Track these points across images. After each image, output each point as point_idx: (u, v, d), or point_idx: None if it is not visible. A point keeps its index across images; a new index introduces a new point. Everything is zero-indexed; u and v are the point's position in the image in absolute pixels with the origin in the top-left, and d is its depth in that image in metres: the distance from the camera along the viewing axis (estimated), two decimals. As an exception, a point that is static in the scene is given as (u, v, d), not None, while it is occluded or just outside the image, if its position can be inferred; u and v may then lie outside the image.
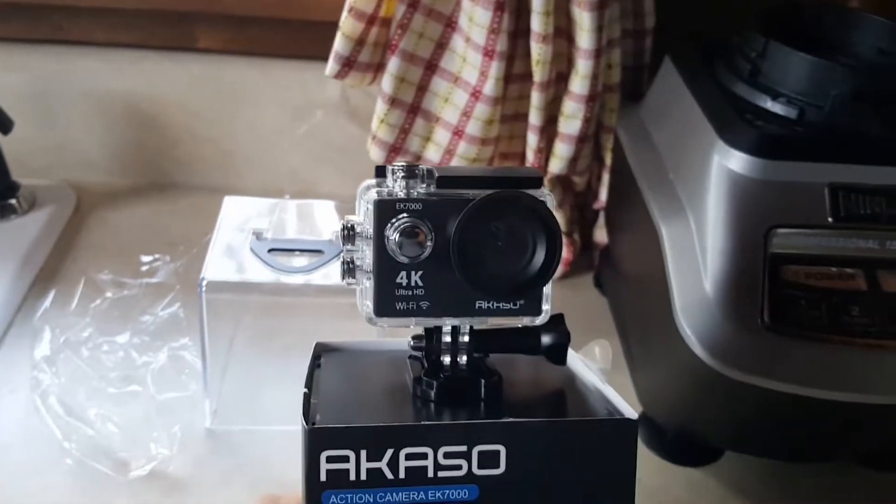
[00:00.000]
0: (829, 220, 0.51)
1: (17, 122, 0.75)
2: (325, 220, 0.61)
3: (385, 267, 0.35)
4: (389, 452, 0.33)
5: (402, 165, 0.35)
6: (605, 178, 0.74)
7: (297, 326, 0.64)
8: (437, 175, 0.35)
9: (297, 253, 0.57)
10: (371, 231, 0.35)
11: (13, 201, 0.76)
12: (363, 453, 0.32)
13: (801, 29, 0.58)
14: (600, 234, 0.77)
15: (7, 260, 0.70)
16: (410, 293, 0.36)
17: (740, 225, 0.51)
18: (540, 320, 0.37)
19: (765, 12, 0.58)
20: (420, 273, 0.35)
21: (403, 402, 0.37)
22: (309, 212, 0.62)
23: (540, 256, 0.35)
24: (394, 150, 0.71)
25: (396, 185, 0.35)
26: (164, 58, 0.79)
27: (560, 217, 0.76)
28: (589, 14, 0.64)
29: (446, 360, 0.37)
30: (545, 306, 0.37)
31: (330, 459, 0.32)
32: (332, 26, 0.67)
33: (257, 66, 0.79)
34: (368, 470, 0.33)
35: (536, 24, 0.64)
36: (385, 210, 0.35)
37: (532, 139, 0.70)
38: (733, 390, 0.49)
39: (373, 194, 0.35)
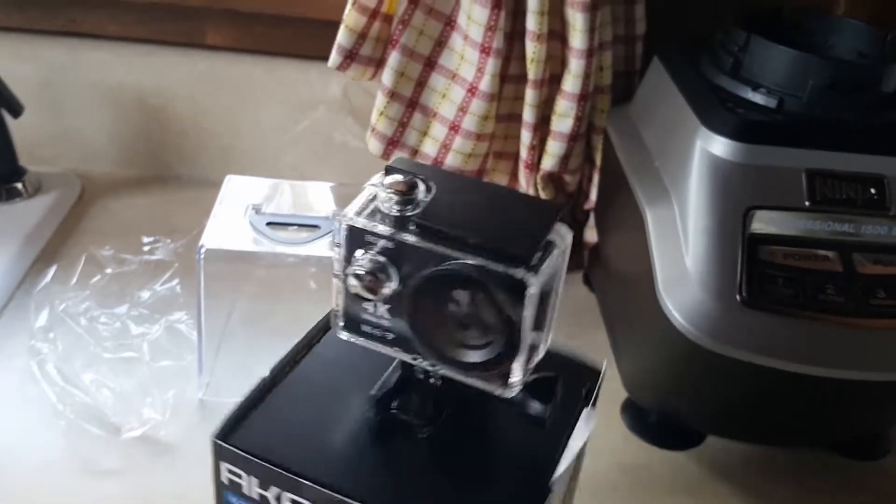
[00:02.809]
0: (806, 203, 0.53)
1: (28, 111, 0.78)
2: (321, 200, 0.63)
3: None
4: (274, 490, 0.33)
5: (401, 185, 0.32)
6: (596, 178, 0.77)
7: (291, 310, 0.65)
8: (418, 222, 0.32)
9: (294, 227, 0.59)
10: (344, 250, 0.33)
11: (19, 185, 0.78)
12: (253, 479, 0.33)
13: (782, 32, 0.61)
14: (590, 235, 0.79)
15: (10, 238, 0.72)
16: (376, 321, 0.34)
17: (720, 205, 0.53)
18: (508, 394, 0.33)
19: (748, 14, 0.61)
20: (388, 307, 0.33)
21: (345, 430, 0.35)
22: (306, 192, 0.64)
23: (499, 342, 0.31)
24: (392, 142, 0.74)
25: (388, 206, 0.32)
26: (172, 53, 0.82)
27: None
28: (582, 15, 0.66)
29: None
30: (513, 379, 0.33)
31: (229, 470, 0.34)
32: (337, 26, 0.70)
33: (262, 63, 0.82)
34: (259, 494, 0.34)
35: (532, 23, 0.67)
36: (355, 238, 0.33)
37: (525, 136, 0.72)
38: (711, 363, 0.51)
39: (351, 215, 0.33)
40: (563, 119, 0.72)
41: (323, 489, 0.33)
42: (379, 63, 0.73)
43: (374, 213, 0.33)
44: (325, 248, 0.58)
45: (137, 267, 0.67)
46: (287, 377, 0.39)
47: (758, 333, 0.50)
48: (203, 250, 0.56)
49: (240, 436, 0.35)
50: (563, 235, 0.32)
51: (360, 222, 0.32)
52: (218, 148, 0.86)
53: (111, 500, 0.53)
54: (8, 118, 0.77)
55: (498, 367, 0.32)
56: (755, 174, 0.53)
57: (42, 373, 0.59)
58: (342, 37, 0.69)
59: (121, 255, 0.68)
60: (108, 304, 0.65)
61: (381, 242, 0.32)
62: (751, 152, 0.53)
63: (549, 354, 0.37)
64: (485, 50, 0.68)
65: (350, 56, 0.70)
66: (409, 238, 0.32)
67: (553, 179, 0.77)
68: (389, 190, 0.32)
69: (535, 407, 0.35)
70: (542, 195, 0.77)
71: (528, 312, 0.30)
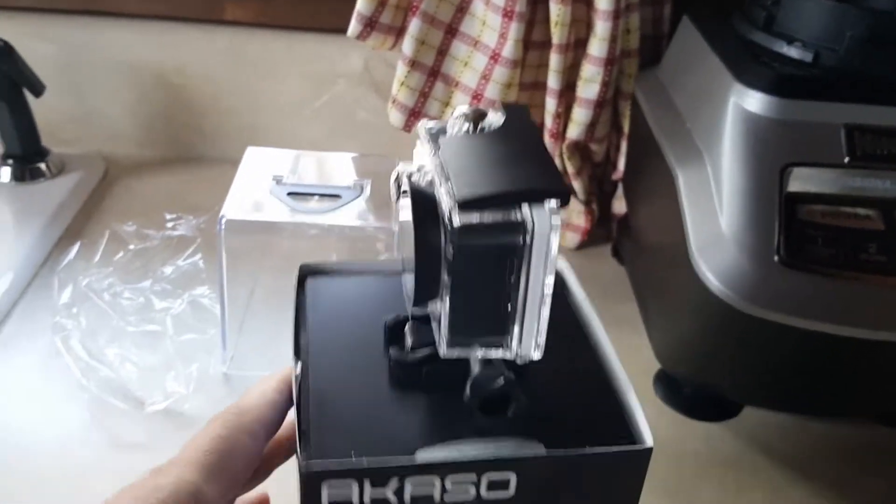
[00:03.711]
0: (846, 159, 0.51)
1: (50, 93, 0.77)
2: (342, 171, 0.62)
3: None
4: (394, 481, 0.31)
5: (470, 114, 0.33)
6: (624, 147, 0.75)
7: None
8: (442, 147, 0.32)
9: (315, 198, 0.58)
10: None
11: (42, 165, 0.78)
12: (367, 482, 0.31)
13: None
14: (618, 206, 0.77)
15: (33, 217, 0.72)
16: None
17: (756, 163, 0.51)
18: (441, 352, 0.32)
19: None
20: None
21: (409, 402, 0.34)
22: (328, 163, 0.63)
23: (418, 274, 0.31)
24: (413, 113, 0.72)
25: (457, 127, 0.33)
26: (192, 29, 0.81)
27: (578, 185, 0.76)
28: (607, -25, 0.64)
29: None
30: (444, 340, 0.32)
31: (332, 486, 0.31)
32: (357, -2, 0.69)
33: (282, 38, 0.81)
34: (373, 499, 0.31)
35: (555, -16, 0.65)
36: (425, 139, 0.34)
37: (550, 103, 0.71)
38: (748, 327, 0.49)
39: (427, 127, 0.34)
40: (590, 84, 0.70)
41: (458, 461, 0.31)
42: (399, 32, 0.71)
43: (444, 128, 0.34)
44: (347, 217, 0.56)
45: (160, 243, 0.67)
46: None
47: (797, 294, 0.48)
48: (224, 221, 0.55)
49: (329, 445, 0.32)
50: (542, 221, 0.29)
51: (425, 133, 0.33)
52: (239, 125, 0.85)
53: (135, 473, 0.52)
54: (30, 99, 0.76)
55: (417, 304, 0.32)
56: (792, 130, 0.51)
57: (66, 348, 0.59)
58: (361, 4, 0.68)
59: (144, 230, 0.67)
60: (132, 280, 0.64)
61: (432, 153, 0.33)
62: (787, 107, 0.51)
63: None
64: (507, 14, 0.66)
65: (370, 24, 0.69)
66: (427, 157, 0.32)
67: (579, 149, 0.75)
68: (459, 118, 0.33)
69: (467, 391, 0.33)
70: (568, 166, 0.75)
71: (450, 254, 0.29)
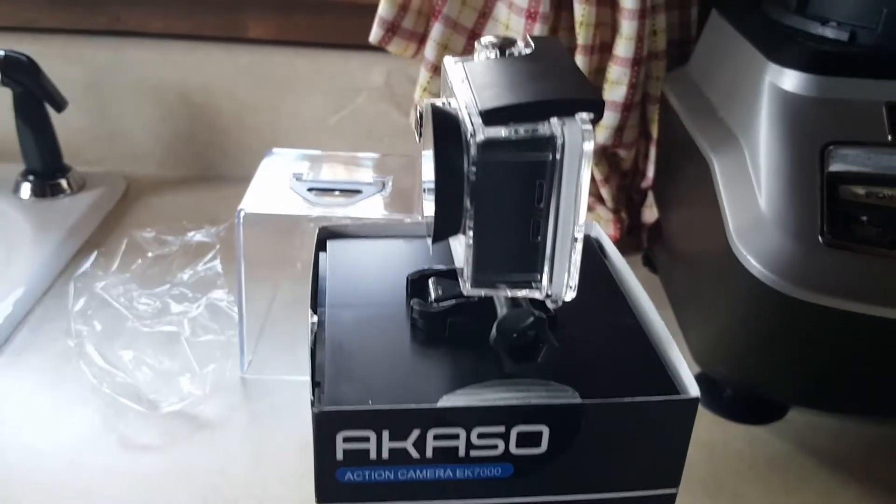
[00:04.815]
0: (889, 137, 0.48)
1: (74, 113, 0.77)
2: (363, 170, 0.61)
3: None
4: (416, 433, 0.29)
5: (496, 41, 0.32)
6: (652, 154, 0.73)
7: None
8: (468, 71, 0.31)
9: (336, 193, 0.57)
10: None
11: (62, 182, 0.77)
12: (385, 433, 0.28)
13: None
14: (648, 214, 0.75)
15: (51, 231, 0.71)
16: None
17: (795, 142, 0.49)
18: (464, 290, 0.30)
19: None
20: None
21: (432, 355, 0.32)
22: (348, 162, 0.62)
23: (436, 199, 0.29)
24: (437, 120, 0.71)
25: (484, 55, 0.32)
26: (214, 48, 0.81)
27: (606, 193, 0.74)
28: (632, -27, 0.64)
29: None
30: (468, 276, 0.30)
31: (347, 439, 0.28)
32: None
33: (305, 55, 0.81)
34: (392, 449, 0.29)
35: (579, -16, 0.64)
36: (449, 69, 0.33)
37: (576, 108, 0.69)
38: (793, 311, 0.46)
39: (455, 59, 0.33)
40: (616, 87, 0.68)
41: (484, 406, 0.29)
42: (421, 39, 0.71)
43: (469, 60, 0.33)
44: (367, 210, 0.55)
45: (178, 248, 0.65)
46: None
47: (843, 275, 0.46)
48: (242, 214, 0.53)
49: (345, 393, 0.30)
50: (574, 135, 0.26)
51: (450, 64, 0.32)
52: (261, 143, 0.84)
53: (149, 475, 0.50)
54: (53, 119, 0.76)
55: (437, 239, 0.29)
56: (831, 109, 0.49)
57: (80, 353, 0.57)
58: (383, 8, 0.67)
59: (162, 236, 0.66)
60: (149, 285, 0.62)
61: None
62: (825, 85, 0.49)
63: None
64: (531, 16, 0.66)
65: (392, 29, 0.68)
66: (456, 80, 0.30)
67: (606, 155, 0.73)
68: (486, 46, 0.31)
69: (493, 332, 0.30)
70: (596, 173, 0.73)
71: (472, 175, 0.27)
